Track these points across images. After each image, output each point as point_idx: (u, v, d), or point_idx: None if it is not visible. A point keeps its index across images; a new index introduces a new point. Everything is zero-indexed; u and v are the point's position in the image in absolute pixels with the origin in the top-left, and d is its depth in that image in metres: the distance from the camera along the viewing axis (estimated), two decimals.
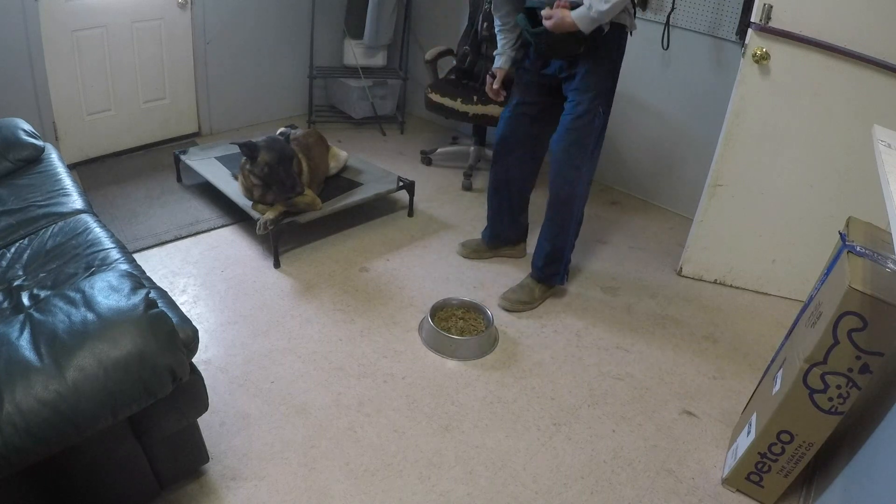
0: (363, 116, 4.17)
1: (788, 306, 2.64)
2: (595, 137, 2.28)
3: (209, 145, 3.32)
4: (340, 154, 3.09)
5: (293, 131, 2.90)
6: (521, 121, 2.44)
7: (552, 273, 2.52)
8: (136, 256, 2.19)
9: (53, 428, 1.11)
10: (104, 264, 1.72)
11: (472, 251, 2.81)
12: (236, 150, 2.60)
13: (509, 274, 2.70)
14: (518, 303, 2.50)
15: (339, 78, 4.15)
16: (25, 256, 1.82)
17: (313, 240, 2.83)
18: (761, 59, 2.32)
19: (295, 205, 2.62)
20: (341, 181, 3.01)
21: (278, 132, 2.80)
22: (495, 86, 2.45)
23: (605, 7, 1.97)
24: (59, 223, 1.95)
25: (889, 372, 1.63)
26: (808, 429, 1.60)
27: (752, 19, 2.30)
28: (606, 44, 2.14)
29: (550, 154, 2.34)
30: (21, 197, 2.06)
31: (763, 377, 1.94)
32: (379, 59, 4.16)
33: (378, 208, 3.13)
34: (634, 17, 2.20)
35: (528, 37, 2.18)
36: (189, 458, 1.63)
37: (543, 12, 2.07)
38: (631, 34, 2.22)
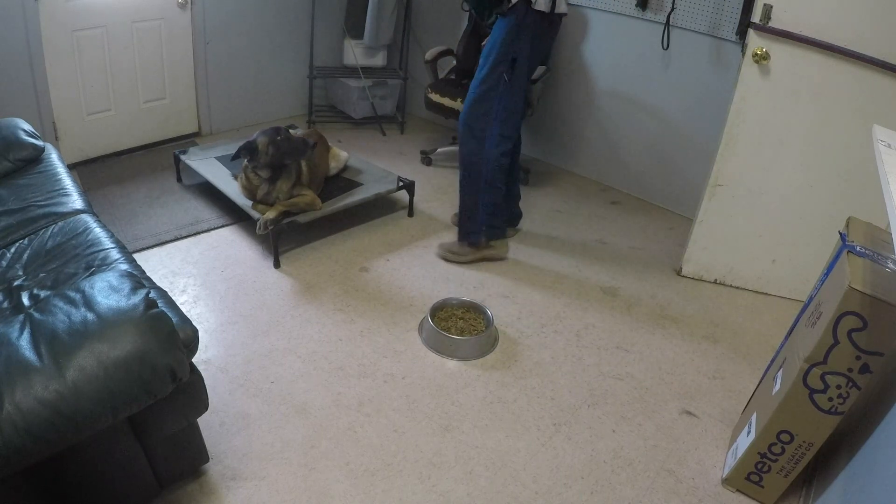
0: (363, 116, 4.17)
1: (788, 306, 2.64)
2: (500, 102, 2.45)
3: (209, 145, 3.33)
4: (341, 154, 3.09)
5: (293, 132, 2.89)
6: None
7: (467, 231, 2.70)
8: (136, 256, 2.20)
9: (53, 428, 1.10)
10: (104, 264, 1.72)
11: None
12: (236, 149, 2.61)
13: (508, 274, 2.70)
14: (449, 251, 2.74)
15: (339, 78, 4.15)
16: (25, 256, 1.82)
17: (313, 240, 2.83)
18: (761, 59, 2.32)
19: (295, 205, 2.63)
20: (341, 181, 3.01)
21: None
22: None
23: None
24: (59, 223, 1.95)
25: (889, 372, 1.63)
26: (808, 429, 1.60)
27: (752, 19, 2.30)
28: (512, 14, 2.35)
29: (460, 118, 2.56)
30: (21, 197, 2.06)
31: (763, 377, 1.94)
32: (379, 59, 4.16)
33: (378, 208, 3.13)
34: None
35: None
36: (189, 458, 1.63)
37: None
38: (542, 12, 2.34)
